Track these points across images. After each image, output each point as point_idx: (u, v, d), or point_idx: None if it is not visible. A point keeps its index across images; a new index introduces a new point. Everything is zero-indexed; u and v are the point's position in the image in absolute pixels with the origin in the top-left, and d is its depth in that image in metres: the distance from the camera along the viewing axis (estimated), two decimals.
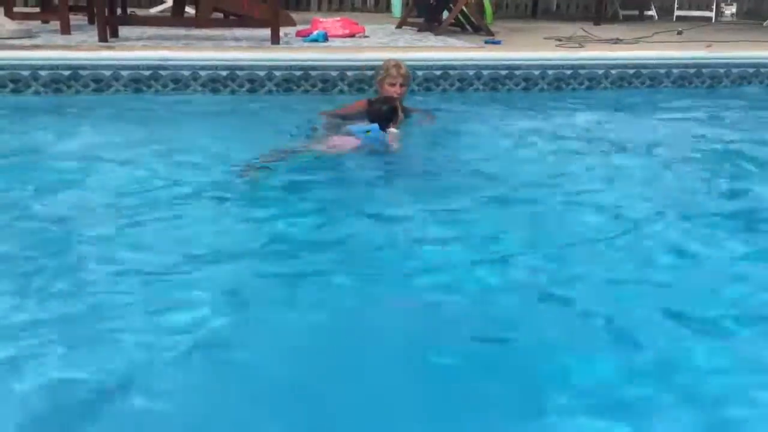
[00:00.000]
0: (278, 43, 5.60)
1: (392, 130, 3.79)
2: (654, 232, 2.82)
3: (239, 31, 6.33)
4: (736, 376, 1.90)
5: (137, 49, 5.18)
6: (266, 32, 5.74)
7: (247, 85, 5.07)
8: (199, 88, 4.98)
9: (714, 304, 2.25)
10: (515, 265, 2.52)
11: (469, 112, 4.81)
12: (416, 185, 3.38)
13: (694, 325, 2.13)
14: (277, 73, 5.09)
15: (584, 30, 6.76)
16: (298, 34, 6.23)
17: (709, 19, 9.49)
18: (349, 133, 3.73)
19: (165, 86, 4.92)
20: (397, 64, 4.10)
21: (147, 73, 4.87)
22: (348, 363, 1.92)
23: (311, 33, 6.03)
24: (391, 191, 3.30)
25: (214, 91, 5.01)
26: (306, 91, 5.16)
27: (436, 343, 2.03)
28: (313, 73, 5.16)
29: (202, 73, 4.97)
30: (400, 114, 3.87)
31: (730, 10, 10.00)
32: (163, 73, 4.90)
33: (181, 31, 6.23)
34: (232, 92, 5.03)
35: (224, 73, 5.00)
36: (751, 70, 5.68)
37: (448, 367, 1.92)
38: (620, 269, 2.50)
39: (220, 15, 6.93)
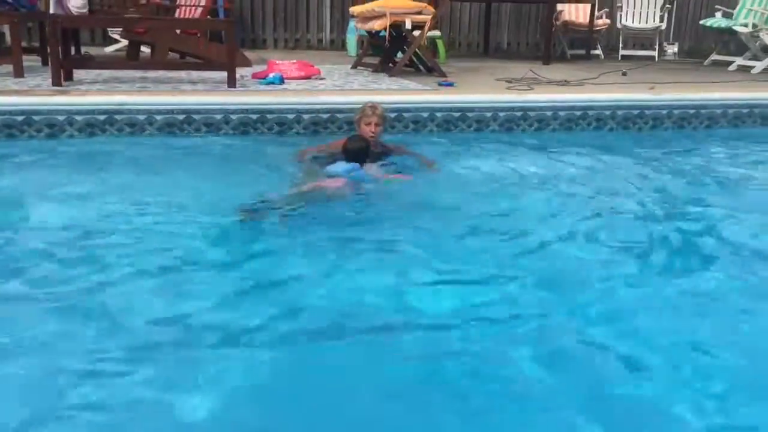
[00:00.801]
0: (234, 86, 5.66)
1: (372, 167, 4.04)
2: (590, 267, 3.01)
3: (195, 73, 6.37)
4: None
5: (92, 94, 5.18)
6: (223, 74, 5.80)
7: (204, 129, 5.11)
8: (155, 132, 4.99)
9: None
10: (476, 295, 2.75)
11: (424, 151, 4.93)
12: (394, 223, 3.55)
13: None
14: (234, 117, 5.14)
15: (533, 72, 6.98)
16: (254, 76, 6.30)
17: (652, 58, 9.88)
18: (331, 174, 3.92)
19: (120, 130, 4.93)
20: (373, 105, 4.41)
21: (102, 117, 4.87)
22: (336, 403, 2.03)
23: (267, 75, 6.10)
24: (379, 229, 3.46)
25: (170, 134, 5.03)
26: (262, 134, 5.22)
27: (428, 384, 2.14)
28: (269, 116, 5.22)
29: (158, 117, 4.99)
30: (374, 150, 4.16)
31: (672, 49, 10.43)
32: (118, 117, 4.90)
33: (137, 73, 6.25)
34: (188, 135, 5.06)
35: (180, 117, 5.03)
36: (691, 111, 5.94)
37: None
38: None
39: (176, 56, 7.00)
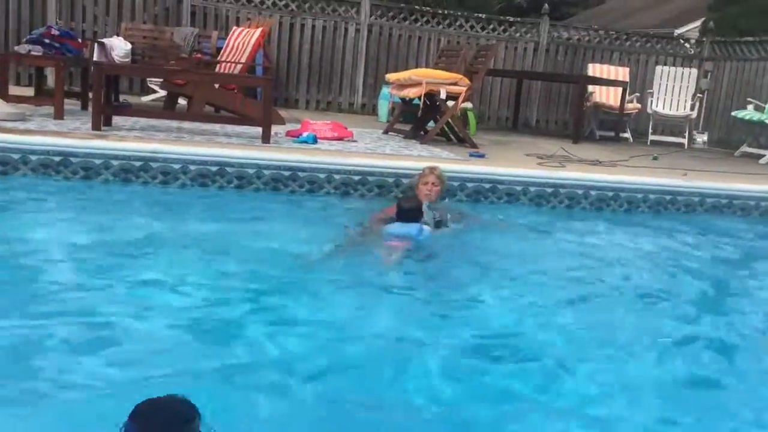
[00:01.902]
0: (269, 142, 5.71)
1: (426, 227, 4.19)
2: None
3: (230, 127, 6.45)
4: None
5: (129, 140, 5.24)
6: (257, 130, 5.86)
7: (236, 182, 5.13)
8: (188, 182, 5.02)
9: None
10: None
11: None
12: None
13: None
14: (266, 172, 5.16)
15: (564, 149, 6.99)
16: (289, 133, 6.37)
17: (682, 145, 9.89)
18: (390, 234, 4.16)
19: (154, 178, 4.96)
20: (432, 167, 4.79)
21: (138, 164, 4.91)
22: None
23: (301, 134, 6.16)
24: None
25: (203, 185, 5.05)
26: (293, 192, 5.23)
27: None
28: (301, 174, 5.24)
29: (192, 167, 5.02)
30: (428, 213, 4.28)
31: (701, 138, 10.45)
32: (153, 165, 4.94)
33: (173, 123, 6.33)
34: (220, 188, 5.08)
35: (214, 168, 5.06)
36: (724, 201, 5.88)
37: None
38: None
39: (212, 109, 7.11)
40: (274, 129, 6.16)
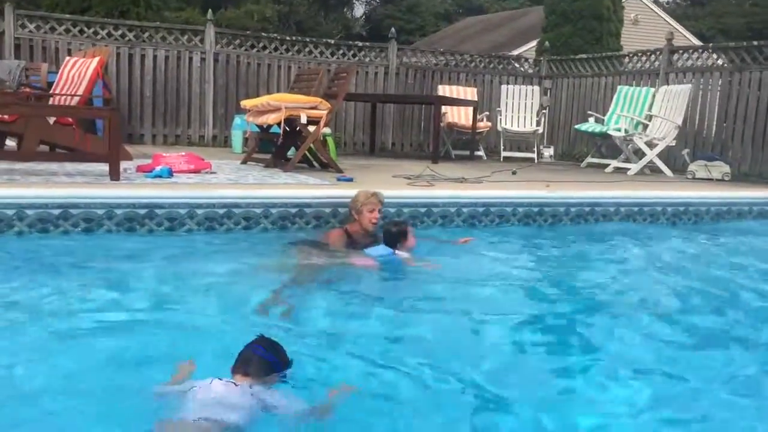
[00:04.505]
0: (118, 179, 5.16)
1: (403, 254, 4.42)
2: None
3: (71, 165, 5.80)
4: None
5: None
6: (102, 167, 5.29)
7: (83, 225, 4.55)
8: (26, 229, 4.38)
9: None
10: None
11: None
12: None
13: None
14: (119, 212, 4.63)
15: (431, 168, 6.95)
16: (139, 169, 5.82)
17: (532, 159, 10.26)
18: (367, 256, 4.42)
19: None
20: (375, 193, 4.70)
21: None
22: None
23: (154, 168, 5.64)
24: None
25: (43, 231, 4.43)
26: (151, 231, 4.73)
27: None
28: (158, 211, 4.75)
29: (30, 212, 4.40)
30: (410, 238, 4.49)
31: (548, 152, 10.92)
32: None
33: (2, 165, 5.59)
34: (65, 232, 4.48)
35: (56, 211, 4.46)
36: (587, 209, 6.04)
37: None
38: None
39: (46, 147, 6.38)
40: (123, 165, 5.59)
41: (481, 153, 10.54)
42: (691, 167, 8.41)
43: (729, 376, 2.90)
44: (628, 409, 2.55)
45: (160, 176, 5.52)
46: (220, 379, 2.26)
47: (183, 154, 6.23)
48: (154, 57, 9.77)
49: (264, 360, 2.34)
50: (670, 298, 4.13)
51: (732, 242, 5.91)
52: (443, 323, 3.43)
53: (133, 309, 3.39)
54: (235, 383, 2.27)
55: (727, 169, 8.26)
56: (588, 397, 2.69)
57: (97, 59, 6.53)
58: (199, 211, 4.86)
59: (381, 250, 4.47)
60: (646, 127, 8.95)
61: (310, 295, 3.79)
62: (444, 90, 10.75)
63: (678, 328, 3.56)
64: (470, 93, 10.93)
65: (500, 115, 10.60)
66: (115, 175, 5.17)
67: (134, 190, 4.85)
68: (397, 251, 4.46)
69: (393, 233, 4.51)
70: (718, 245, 5.80)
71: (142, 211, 4.69)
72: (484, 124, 10.57)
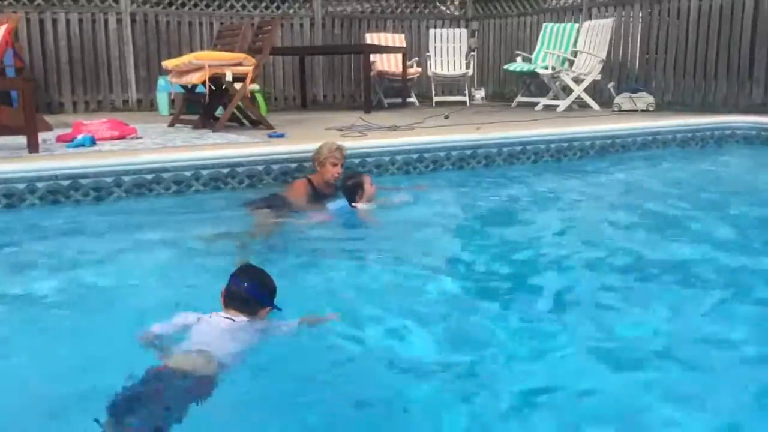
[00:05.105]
0: (38, 151, 4.95)
1: (362, 205, 4.43)
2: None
3: None
4: None
5: None
6: (20, 140, 5.07)
7: (3, 201, 4.38)
8: None
9: None
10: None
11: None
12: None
13: None
14: (40, 185, 4.46)
15: (363, 119, 6.90)
16: (60, 138, 5.60)
17: (464, 103, 10.29)
18: (325, 209, 4.48)
19: None
20: (338, 147, 4.68)
21: None
22: None
23: (75, 137, 5.43)
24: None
25: None
26: (77, 202, 4.58)
27: None
28: (83, 181, 4.60)
29: None
30: (368, 188, 4.49)
31: (479, 93, 10.97)
32: None
33: None
34: None
35: None
36: (518, 148, 6.12)
37: None
38: None
39: None
40: (42, 136, 5.36)
41: (413, 99, 10.52)
42: (617, 100, 8.59)
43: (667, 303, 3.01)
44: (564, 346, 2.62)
45: (83, 145, 5.32)
46: (219, 314, 2.41)
47: (105, 120, 6.01)
48: (67, 21, 9.31)
49: (253, 298, 2.44)
50: (608, 230, 4.29)
51: (659, 170, 6.12)
52: (394, 273, 3.42)
53: (75, 289, 3.20)
54: (232, 319, 2.39)
55: (651, 99, 8.46)
56: (527, 330, 2.75)
57: (4, 26, 6.21)
58: (126, 178, 4.72)
59: (340, 203, 4.48)
60: (572, 63, 9.07)
61: (269, 254, 3.72)
62: (372, 38, 10.62)
63: (618, 257, 3.64)
64: (398, 40, 10.83)
65: (430, 60, 10.57)
66: (33, 147, 4.96)
67: (55, 161, 4.67)
68: (355, 204, 4.46)
69: (349, 187, 4.51)
70: (648, 175, 6.00)
71: (66, 183, 4.53)
72: (414, 70, 10.52)
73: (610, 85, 9.21)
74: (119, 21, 9.63)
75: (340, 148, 4.69)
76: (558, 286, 3.21)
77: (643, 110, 8.34)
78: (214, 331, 2.32)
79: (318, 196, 4.67)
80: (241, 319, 2.41)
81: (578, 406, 2.15)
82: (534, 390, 2.24)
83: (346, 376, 2.37)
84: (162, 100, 8.93)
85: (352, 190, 4.51)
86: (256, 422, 2.04)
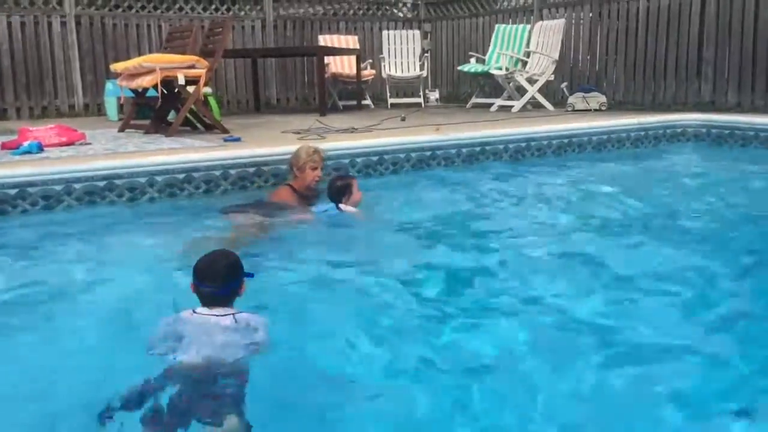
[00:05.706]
0: None
1: (349, 207, 4.33)
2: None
3: None
4: None
5: None
6: None
7: None
8: None
9: None
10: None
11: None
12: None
13: None
14: None
15: (320, 122, 6.80)
16: (4, 146, 5.37)
17: (419, 104, 10.28)
18: (310, 212, 4.38)
19: None
20: (316, 150, 4.59)
21: None
22: None
23: (21, 144, 5.21)
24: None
25: None
26: (24, 211, 4.38)
27: None
28: (31, 189, 4.40)
29: None
30: (355, 193, 4.39)
31: (434, 95, 10.97)
32: None
33: None
34: None
35: None
36: (478, 149, 6.11)
37: None
38: None
39: None
40: None
41: (368, 102, 10.46)
42: (570, 100, 8.68)
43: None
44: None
45: (29, 152, 5.11)
46: (202, 310, 2.35)
47: (53, 126, 5.79)
48: (9, 24, 8.97)
49: (225, 296, 2.37)
50: (569, 224, 4.39)
51: (612, 168, 6.21)
52: (379, 273, 3.37)
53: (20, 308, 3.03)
54: (220, 315, 2.33)
55: (603, 99, 8.58)
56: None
57: None
58: (77, 186, 4.54)
59: (325, 206, 4.38)
60: (525, 63, 9.13)
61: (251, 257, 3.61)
62: (325, 40, 10.52)
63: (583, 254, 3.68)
64: (352, 42, 10.76)
65: (383, 62, 10.52)
66: None
67: (1, 169, 4.46)
68: (341, 206, 4.34)
69: (338, 187, 4.40)
70: (602, 172, 6.08)
71: (13, 192, 4.33)
72: (368, 72, 10.46)
73: (564, 85, 9.31)
74: (64, 24, 9.32)
75: (317, 151, 4.58)
76: (520, 284, 3.23)
77: (596, 110, 8.45)
78: (215, 331, 2.27)
79: (301, 201, 4.57)
80: (226, 311, 2.35)
81: (544, 409, 2.13)
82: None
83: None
84: (110, 104, 8.68)
85: (341, 190, 4.39)
86: None
